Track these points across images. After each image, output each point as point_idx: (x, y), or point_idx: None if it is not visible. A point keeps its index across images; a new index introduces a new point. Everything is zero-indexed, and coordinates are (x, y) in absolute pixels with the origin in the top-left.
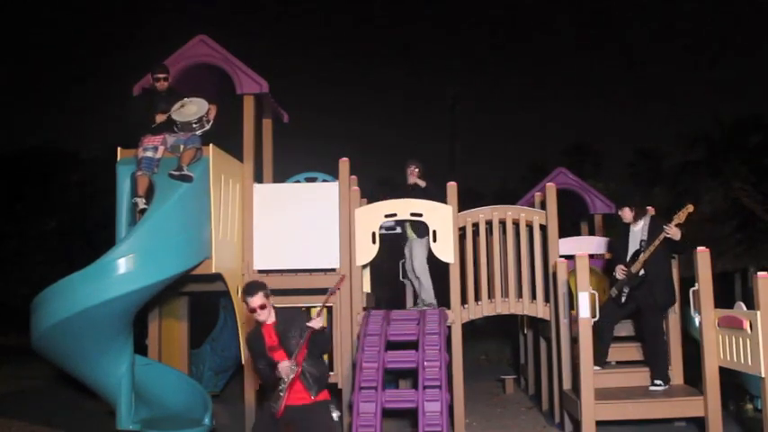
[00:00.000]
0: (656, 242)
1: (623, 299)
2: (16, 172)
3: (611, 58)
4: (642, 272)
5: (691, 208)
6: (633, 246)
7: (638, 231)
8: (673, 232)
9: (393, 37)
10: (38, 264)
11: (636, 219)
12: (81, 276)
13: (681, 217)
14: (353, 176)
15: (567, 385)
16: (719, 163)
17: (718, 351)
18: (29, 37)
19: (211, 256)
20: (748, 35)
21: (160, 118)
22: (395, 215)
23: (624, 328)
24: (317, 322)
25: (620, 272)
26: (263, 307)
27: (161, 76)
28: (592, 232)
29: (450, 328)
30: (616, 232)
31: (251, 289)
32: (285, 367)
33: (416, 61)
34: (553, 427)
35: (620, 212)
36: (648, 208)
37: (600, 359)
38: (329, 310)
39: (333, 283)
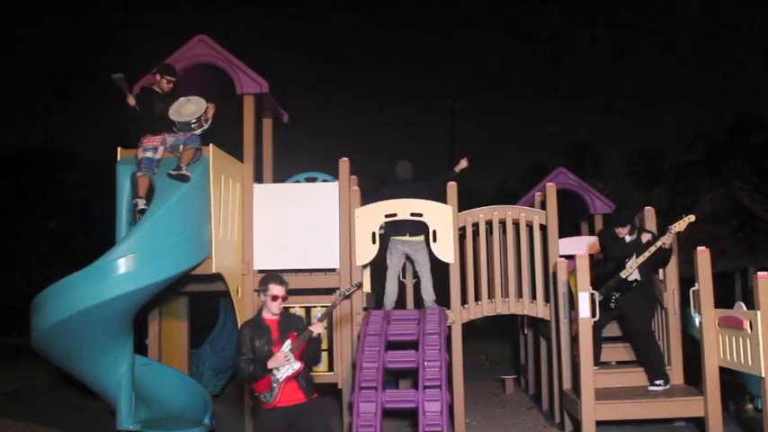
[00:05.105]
0: (653, 249)
1: (612, 304)
2: (16, 172)
3: (612, 58)
4: (632, 277)
5: (692, 218)
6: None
7: (630, 239)
8: (669, 242)
9: (393, 36)
10: (38, 264)
11: (630, 233)
12: (81, 276)
13: (681, 226)
14: (353, 176)
15: (567, 385)
16: (719, 163)
17: (718, 351)
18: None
19: (211, 256)
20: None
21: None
22: (395, 215)
23: (615, 329)
24: (317, 327)
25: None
26: (284, 299)
27: (171, 78)
28: (592, 232)
29: (450, 328)
30: (611, 235)
31: (279, 278)
32: (280, 357)
33: (416, 61)
34: (553, 427)
35: (618, 228)
36: (648, 208)
37: (594, 358)
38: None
39: (339, 284)
